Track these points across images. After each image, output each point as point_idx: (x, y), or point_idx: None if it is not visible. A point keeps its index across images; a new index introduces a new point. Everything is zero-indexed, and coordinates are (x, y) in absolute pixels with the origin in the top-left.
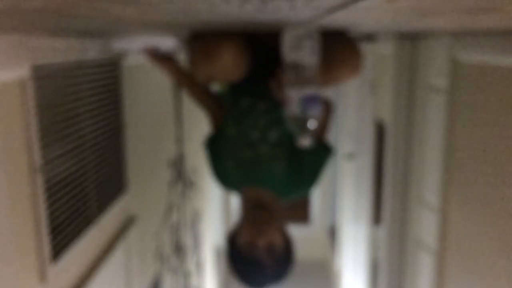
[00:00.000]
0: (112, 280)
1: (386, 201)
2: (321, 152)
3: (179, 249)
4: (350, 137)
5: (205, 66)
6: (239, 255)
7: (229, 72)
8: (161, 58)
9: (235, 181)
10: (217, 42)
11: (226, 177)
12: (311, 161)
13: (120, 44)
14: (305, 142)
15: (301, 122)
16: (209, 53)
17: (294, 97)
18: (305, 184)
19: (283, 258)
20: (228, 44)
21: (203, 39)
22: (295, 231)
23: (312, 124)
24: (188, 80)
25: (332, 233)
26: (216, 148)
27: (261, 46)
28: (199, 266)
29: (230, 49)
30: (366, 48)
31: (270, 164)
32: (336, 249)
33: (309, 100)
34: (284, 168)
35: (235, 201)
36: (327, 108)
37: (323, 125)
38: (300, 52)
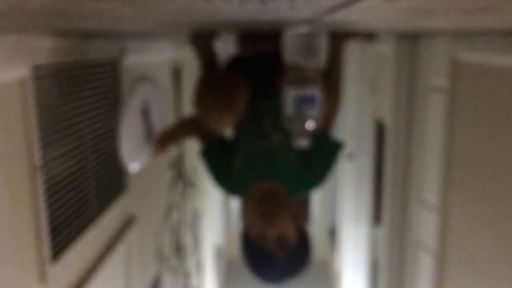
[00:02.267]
0: (112, 280)
1: (386, 201)
2: (331, 147)
3: (179, 249)
4: (350, 137)
5: (225, 117)
6: (251, 247)
7: (242, 111)
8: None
9: (244, 180)
10: (231, 93)
11: (232, 179)
12: (321, 157)
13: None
14: (302, 142)
15: (299, 123)
16: (228, 106)
17: (290, 97)
18: (315, 180)
19: (296, 252)
20: (241, 89)
21: (213, 93)
22: None
23: (310, 125)
24: (183, 134)
25: (332, 233)
26: (219, 152)
27: (262, 61)
28: (199, 266)
29: (244, 95)
30: (366, 48)
31: (283, 155)
32: (336, 249)
33: (308, 101)
34: (295, 162)
35: (235, 201)
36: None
37: (328, 117)
38: (301, 53)
